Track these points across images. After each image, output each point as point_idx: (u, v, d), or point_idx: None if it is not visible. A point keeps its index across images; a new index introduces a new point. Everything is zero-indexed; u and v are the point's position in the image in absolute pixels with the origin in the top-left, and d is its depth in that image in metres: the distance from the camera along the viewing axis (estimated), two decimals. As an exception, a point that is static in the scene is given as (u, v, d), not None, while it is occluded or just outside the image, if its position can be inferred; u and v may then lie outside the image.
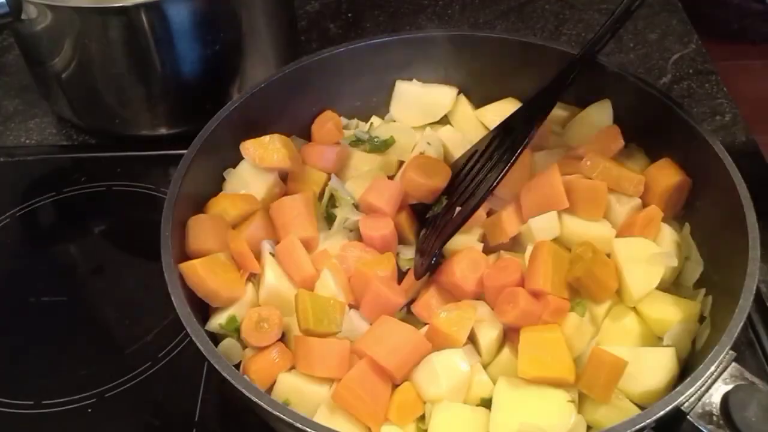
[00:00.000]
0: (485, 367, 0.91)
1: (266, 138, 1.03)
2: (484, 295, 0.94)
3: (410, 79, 1.16)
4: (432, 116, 1.16)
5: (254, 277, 0.96)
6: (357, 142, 1.12)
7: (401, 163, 1.10)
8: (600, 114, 1.08)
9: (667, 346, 0.88)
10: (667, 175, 0.99)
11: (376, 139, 1.11)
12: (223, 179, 1.05)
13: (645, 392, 0.85)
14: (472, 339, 0.91)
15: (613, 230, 0.97)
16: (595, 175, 0.98)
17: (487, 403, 0.86)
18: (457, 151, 1.10)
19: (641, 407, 0.83)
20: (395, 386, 0.88)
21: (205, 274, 0.89)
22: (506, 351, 0.90)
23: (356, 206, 1.03)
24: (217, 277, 0.90)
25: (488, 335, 0.90)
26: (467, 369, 0.87)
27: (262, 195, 1.02)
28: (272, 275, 0.94)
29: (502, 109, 1.11)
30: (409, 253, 1.02)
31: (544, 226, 0.96)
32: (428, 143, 1.10)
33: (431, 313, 0.93)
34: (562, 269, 0.91)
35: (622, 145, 1.03)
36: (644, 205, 0.99)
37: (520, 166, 0.97)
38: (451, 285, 0.94)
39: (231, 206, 0.99)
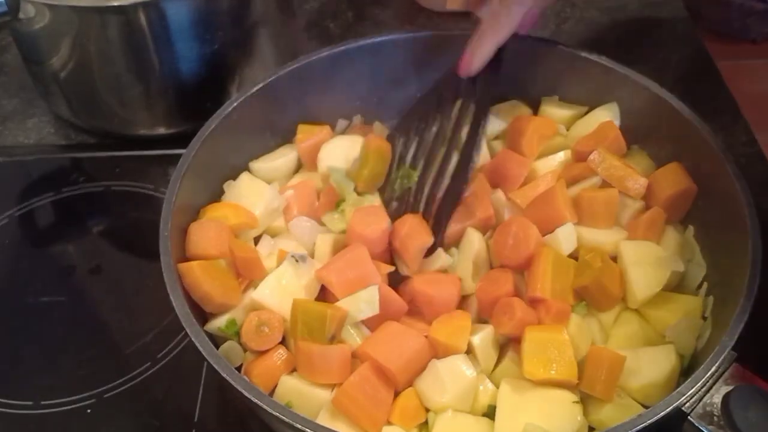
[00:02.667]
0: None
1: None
2: (478, 310, 0.92)
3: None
4: None
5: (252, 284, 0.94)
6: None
7: None
8: (607, 116, 1.06)
9: (669, 342, 0.88)
10: (673, 182, 0.98)
11: None
12: (223, 180, 1.05)
13: (646, 386, 0.84)
14: (470, 351, 0.89)
15: (623, 234, 0.96)
16: (600, 169, 0.97)
17: (493, 411, 0.85)
18: None
19: (643, 405, 0.83)
20: (397, 393, 0.86)
21: (201, 276, 0.88)
22: (507, 361, 0.89)
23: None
24: (214, 282, 0.89)
25: (485, 348, 0.89)
26: (473, 374, 0.85)
27: (260, 210, 1.00)
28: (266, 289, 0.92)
29: (502, 110, 1.11)
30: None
31: (567, 236, 0.94)
32: None
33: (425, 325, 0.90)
34: (563, 276, 0.90)
35: (621, 138, 1.02)
36: (647, 208, 0.98)
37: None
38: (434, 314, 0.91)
39: (233, 215, 0.97)
